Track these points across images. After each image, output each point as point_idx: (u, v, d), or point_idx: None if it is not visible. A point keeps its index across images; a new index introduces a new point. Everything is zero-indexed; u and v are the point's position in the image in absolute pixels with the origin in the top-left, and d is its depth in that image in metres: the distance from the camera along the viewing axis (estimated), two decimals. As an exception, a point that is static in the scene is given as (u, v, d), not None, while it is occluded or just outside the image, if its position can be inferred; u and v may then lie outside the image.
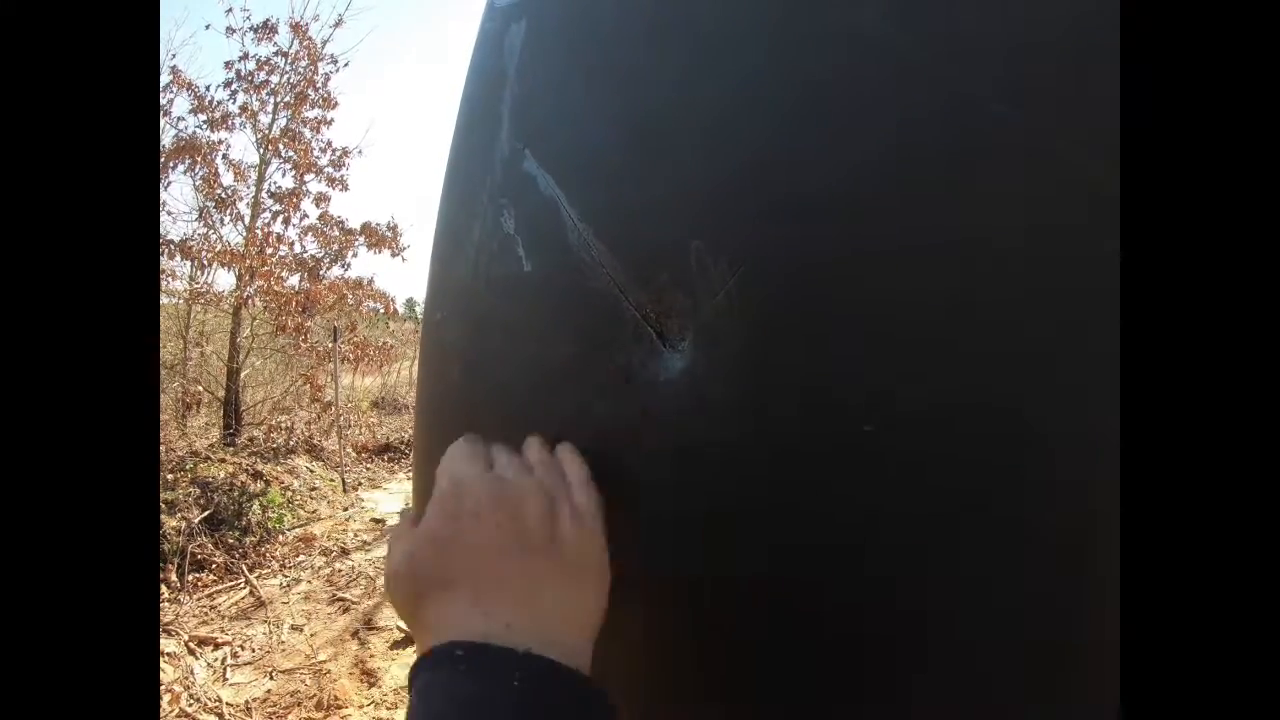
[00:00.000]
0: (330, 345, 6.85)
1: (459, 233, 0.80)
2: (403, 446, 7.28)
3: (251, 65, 7.02)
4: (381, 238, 7.56)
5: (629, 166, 0.58)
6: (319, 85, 7.38)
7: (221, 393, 6.88)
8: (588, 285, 0.58)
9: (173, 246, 6.77)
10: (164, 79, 6.77)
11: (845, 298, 0.47)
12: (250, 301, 6.96)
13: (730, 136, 0.51)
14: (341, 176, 7.50)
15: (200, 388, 6.95)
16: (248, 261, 6.70)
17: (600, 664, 0.48)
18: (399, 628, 3.55)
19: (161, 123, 6.81)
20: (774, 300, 0.48)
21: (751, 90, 0.51)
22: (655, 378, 0.53)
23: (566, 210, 0.61)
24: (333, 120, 7.47)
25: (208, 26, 7.36)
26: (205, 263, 6.98)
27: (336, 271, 7.48)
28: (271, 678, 3.13)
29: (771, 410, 0.49)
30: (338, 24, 7.39)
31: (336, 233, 7.45)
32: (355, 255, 7.64)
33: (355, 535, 4.90)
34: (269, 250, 6.98)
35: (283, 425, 6.81)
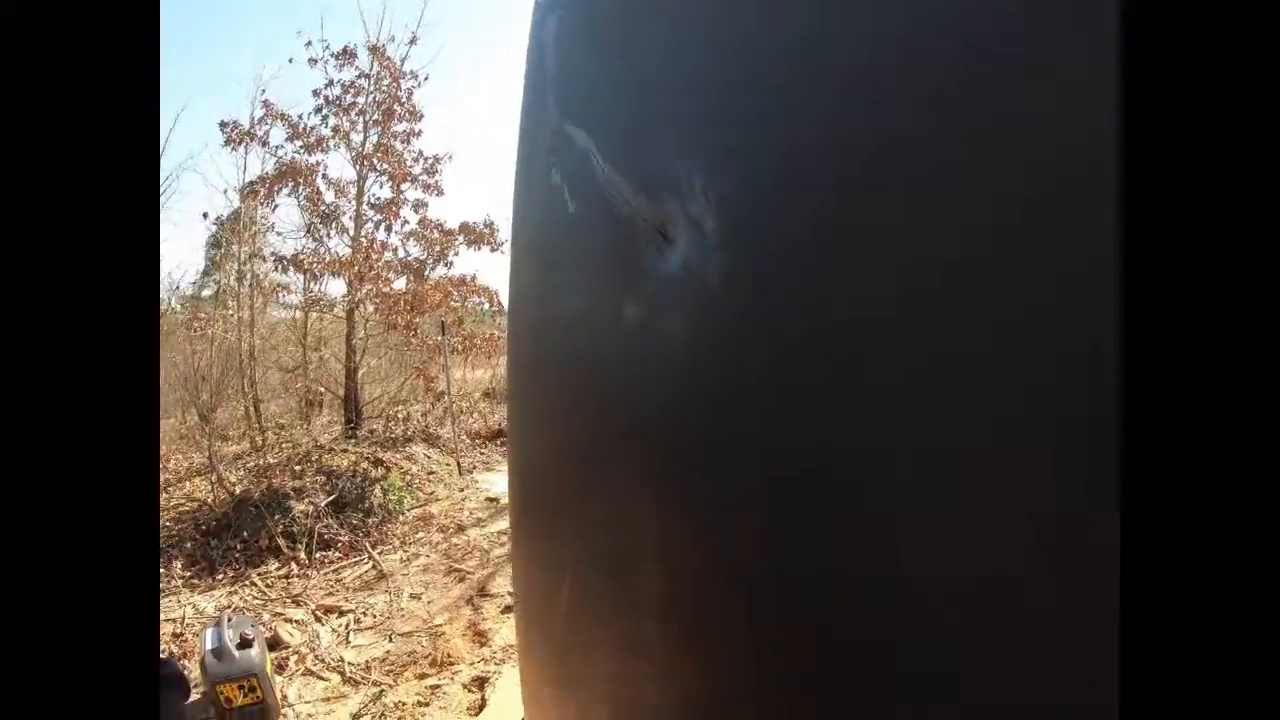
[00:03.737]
0: (440, 339, 7.09)
1: (525, 192, 1.06)
2: (514, 431, 7.43)
3: (338, 90, 7.35)
4: (479, 234, 7.75)
5: (634, 117, 0.77)
6: (404, 100, 7.64)
7: (341, 391, 7.24)
8: (613, 212, 0.76)
9: (285, 261, 7.24)
10: (257, 113, 7.18)
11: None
12: (362, 304, 7.32)
13: (702, 89, 0.67)
14: (436, 182, 7.75)
15: (321, 388, 7.34)
16: (355, 268, 7.03)
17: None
18: (510, 593, 3.62)
19: (260, 152, 7.28)
20: (736, 200, 0.62)
21: (718, 53, 0.66)
22: (663, 271, 0.69)
23: (595, 157, 0.80)
24: (420, 131, 7.72)
25: (290, 60, 7.70)
26: (317, 274, 7.41)
27: (440, 271, 7.75)
28: (390, 640, 3.25)
29: (739, 280, 0.62)
30: (413, 41, 7.63)
31: (436, 235, 7.70)
32: (456, 254, 7.89)
33: (470, 513, 5.03)
34: (374, 256, 7.30)
35: (400, 416, 7.09)
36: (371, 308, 7.34)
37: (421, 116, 7.73)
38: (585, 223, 0.83)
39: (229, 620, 2.86)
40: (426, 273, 7.69)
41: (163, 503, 5.38)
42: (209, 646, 2.83)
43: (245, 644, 2.80)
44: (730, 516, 0.74)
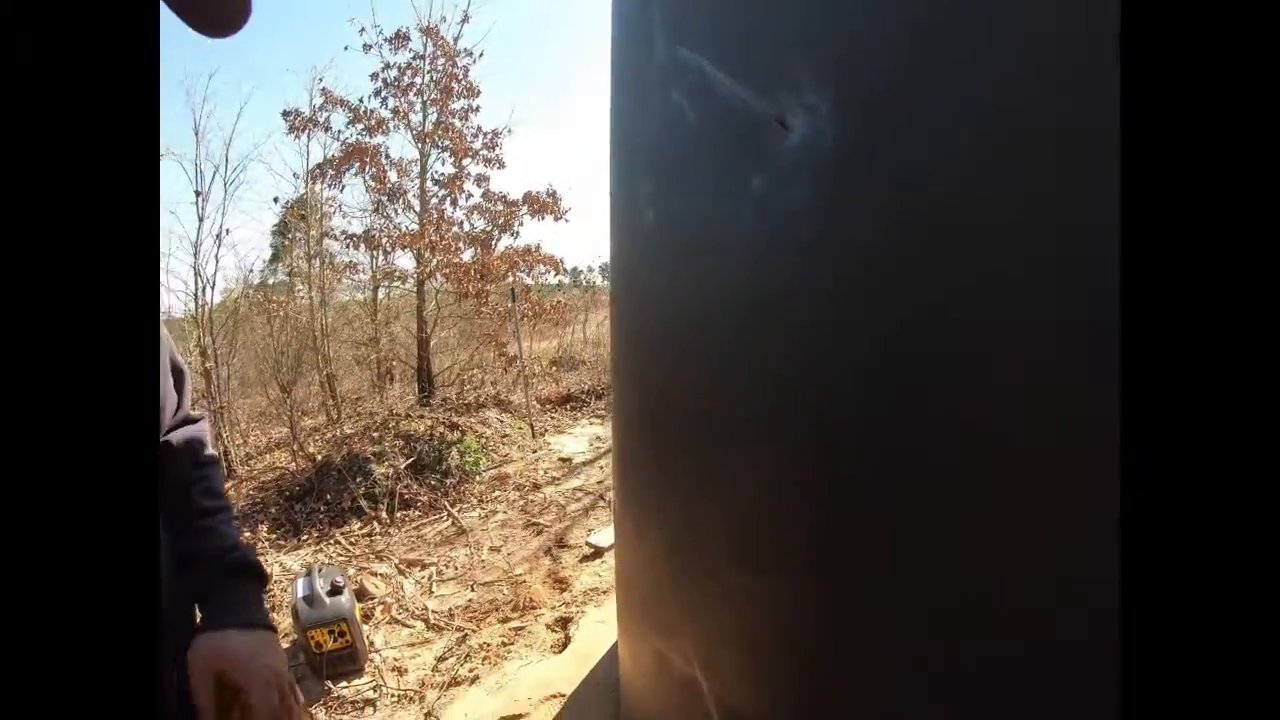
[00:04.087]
0: (510, 305, 7.14)
1: (633, 115, 1.26)
2: (582, 395, 7.48)
3: (394, 73, 7.39)
4: (543, 204, 7.76)
5: (745, 33, 0.90)
6: (460, 78, 7.64)
7: (414, 363, 7.36)
8: (734, 113, 0.90)
9: (356, 239, 7.38)
10: (316, 100, 7.28)
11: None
12: (433, 276, 7.42)
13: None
14: (497, 155, 7.77)
15: (394, 361, 7.48)
16: (426, 239, 7.12)
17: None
18: (588, 544, 3.60)
19: (322, 138, 7.41)
20: (843, 87, 0.76)
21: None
22: (785, 149, 0.81)
23: (712, 72, 0.93)
24: (478, 107, 7.72)
25: (346, 48, 7.78)
26: (387, 249, 7.54)
27: (506, 241, 7.79)
28: (472, 589, 3.26)
29: (849, 150, 0.76)
30: (464, 20, 7.61)
31: (500, 206, 7.73)
32: (521, 224, 7.93)
33: (545, 472, 5.05)
34: (444, 228, 7.38)
35: (474, 381, 7.18)
36: (442, 278, 7.45)
37: (478, 92, 7.73)
38: (708, 127, 0.97)
39: (319, 570, 2.90)
40: (493, 244, 7.75)
41: (247, 473, 5.57)
42: (300, 594, 2.88)
43: (335, 591, 2.83)
44: (807, 446, 0.89)
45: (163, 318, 0.66)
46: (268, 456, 6.05)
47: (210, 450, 0.94)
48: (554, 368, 9.20)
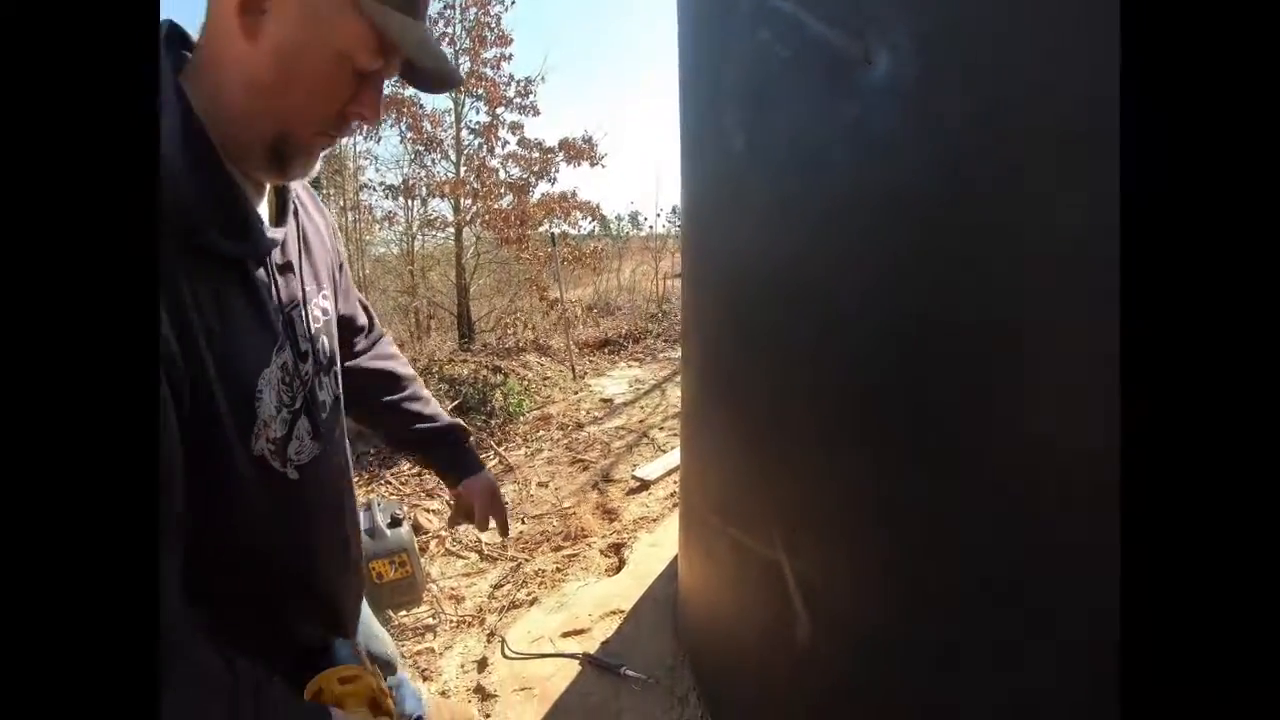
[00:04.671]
0: (550, 249, 7.15)
1: (717, 53, 1.38)
2: (620, 339, 7.49)
3: None
4: (579, 150, 7.70)
5: None
6: (493, 26, 7.52)
7: (455, 309, 7.41)
8: (820, 49, 0.99)
9: (395, 190, 7.40)
10: None
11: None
12: (472, 223, 7.43)
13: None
14: (531, 103, 7.69)
15: (434, 307, 7.53)
16: (465, 186, 7.12)
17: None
18: (634, 477, 3.64)
19: None
20: (924, 26, 0.82)
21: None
22: (870, 81, 0.89)
23: (802, 13, 1.01)
24: (511, 55, 7.63)
25: None
26: (425, 197, 7.56)
27: (544, 188, 7.76)
28: (523, 522, 3.33)
29: (929, 84, 0.83)
30: None
31: (536, 154, 7.68)
32: (558, 171, 7.88)
33: (587, 412, 5.10)
34: (483, 173, 7.36)
35: (516, 323, 7.22)
36: (481, 224, 7.46)
37: (511, 40, 7.63)
38: (798, 61, 1.04)
39: (378, 505, 2.98)
40: (530, 191, 7.74)
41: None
42: (362, 528, 2.96)
43: (395, 523, 2.90)
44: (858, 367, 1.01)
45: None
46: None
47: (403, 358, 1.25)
48: (591, 312, 9.22)
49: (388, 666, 1.13)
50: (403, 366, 1.22)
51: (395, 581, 2.70)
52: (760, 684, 1.48)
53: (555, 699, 1.99)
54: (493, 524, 1.33)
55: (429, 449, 1.25)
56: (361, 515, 2.97)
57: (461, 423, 1.26)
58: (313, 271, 0.89)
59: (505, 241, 7.16)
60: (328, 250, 0.96)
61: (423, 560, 3.05)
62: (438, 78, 0.77)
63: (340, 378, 0.95)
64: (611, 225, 12.62)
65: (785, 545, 1.24)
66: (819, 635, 1.18)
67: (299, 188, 0.90)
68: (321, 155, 0.78)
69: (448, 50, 7.42)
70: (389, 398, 1.19)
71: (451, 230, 7.57)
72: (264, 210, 0.79)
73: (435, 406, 1.25)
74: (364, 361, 1.16)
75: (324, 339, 0.88)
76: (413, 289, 7.49)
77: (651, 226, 11.87)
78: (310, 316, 0.85)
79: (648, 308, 9.21)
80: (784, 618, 1.27)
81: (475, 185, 6.93)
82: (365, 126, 0.81)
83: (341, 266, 1.04)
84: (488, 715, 1.99)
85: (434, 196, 7.51)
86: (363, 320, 1.16)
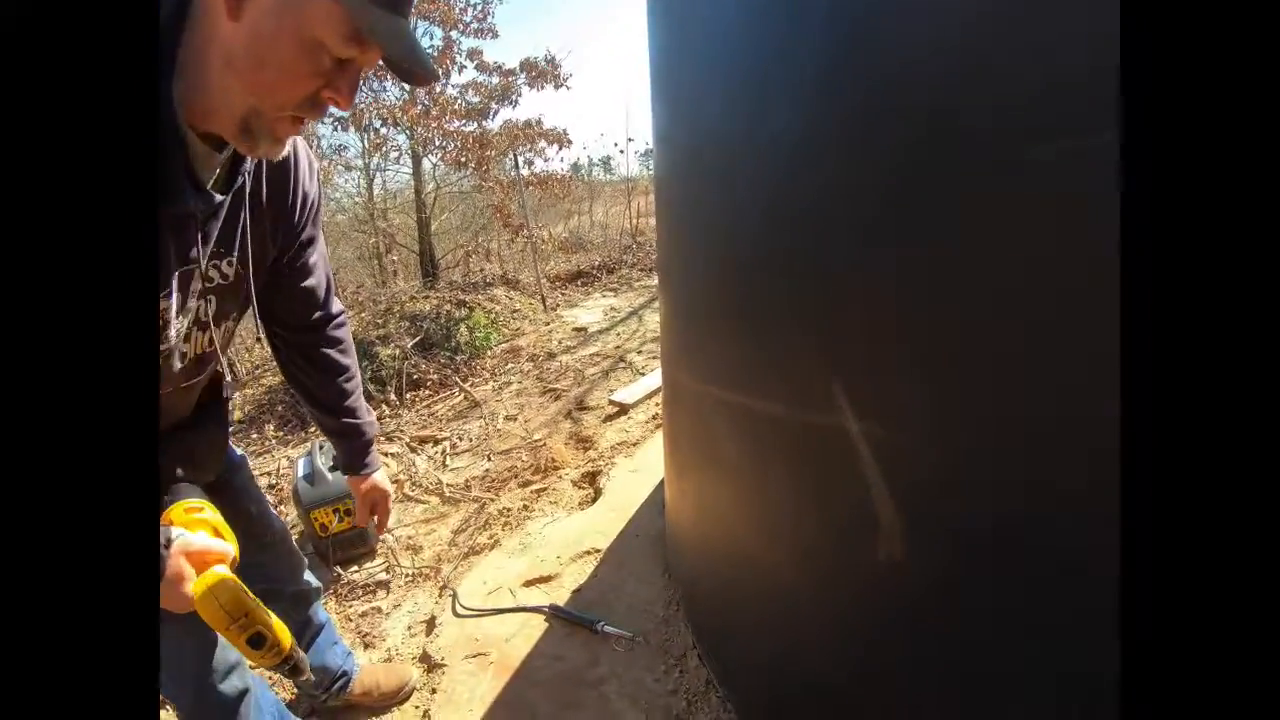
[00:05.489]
0: (514, 174, 6.67)
1: None
2: (594, 271, 7.07)
3: None
4: (542, 71, 7.17)
5: None
6: None
7: (416, 246, 6.95)
8: None
9: (344, 121, 6.83)
10: None
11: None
12: (429, 147, 6.91)
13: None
14: (490, 25, 7.11)
15: (393, 244, 7.07)
16: (417, 104, 6.57)
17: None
18: (611, 401, 3.28)
19: None
20: None
21: None
22: None
23: None
24: (466, -24, 6.99)
25: None
26: (375, 127, 6.99)
27: (506, 114, 7.24)
28: (489, 459, 2.98)
29: None
30: None
31: (495, 79, 7.14)
32: (519, 95, 7.35)
33: (559, 342, 4.72)
34: (434, 94, 6.81)
35: (480, 261, 6.79)
36: (438, 158, 6.95)
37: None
38: None
39: (320, 447, 2.58)
40: (491, 116, 7.21)
41: (250, 374, 5.29)
42: (300, 474, 2.55)
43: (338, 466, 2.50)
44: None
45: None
46: (274, 364, 5.76)
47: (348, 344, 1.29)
48: (563, 250, 8.76)
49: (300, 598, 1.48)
50: (343, 357, 1.27)
51: (341, 533, 2.33)
52: (797, 628, 1.13)
53: (516, 667, 1.63)
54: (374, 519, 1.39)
55: (340, 443, 1.34)
56: (301, 462, 2.63)
57: (362, 426, 1.32)
58: (233, 237, 0.94)
59: (460, 164, 6.65)
60: (289, 224, 1.05)
61: (377, 507, 2.69)
62: (412, 73, 0.79)
63: (217, 338, 1.00)
64: (582, 170, 12.15)
65: (853, 403, 0.87)
66: (918, 536, 0.82)
67: (304, 158, 1.04)
68: (291, 137, 0.83)
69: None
70: (317, 389, 1.27)
71: (408, 157, 7.04)
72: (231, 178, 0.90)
73: (352, 401, 1.30)
74: (310, 349, 1.23)
75: (212, 299, 0.95)
76: (371, 219, 6.99)
77: (625, 170, 11.30)
78: (205, 277, 0.91)
79: (622, 240, 8.75)
80: (849, 521, 0.91)
81: (428, 103, 6.40)
82: (340, 110, 0.91)
83: (306, 242, 1.11)
84: (434, 690, 1.64)
85: (386, 125, 6.97)
86: (320, 298, 1.20)
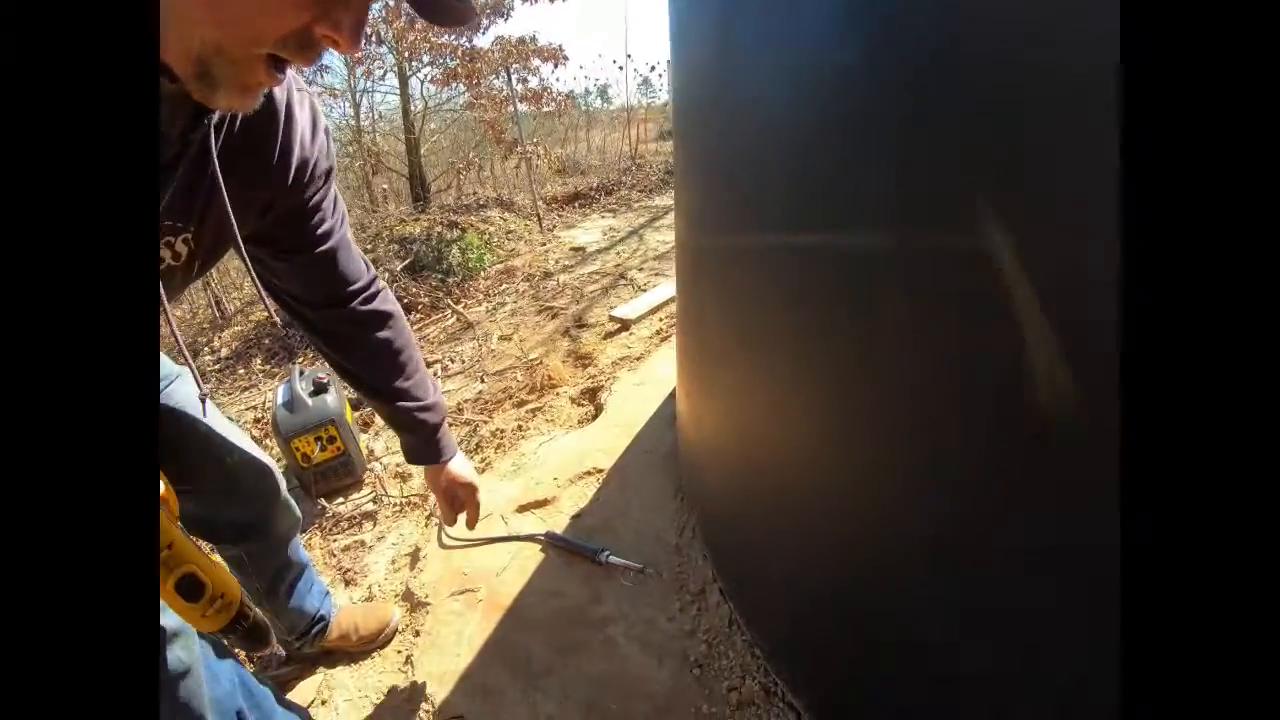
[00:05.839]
0: (506, 92, 6.31)
1: None
2: (591, 193, 6.77)
3: None
4: (535, -20, 6.69)
5: None
6: None
7: (405, 169, 6.64)
8: None
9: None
10: None
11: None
12: (416, 72, 6.53)
13: None
14: None
15: (380, 167, 6.76)
16: (401, 19, 6.18)
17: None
18: (612, 317, 3.06)
19: None
20: None
21: None
22: None
23: None
24: None
25: None
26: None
27: (498, 30, 6.81)
28: (482, 380, 2.78)
29: None
30: None
31: (485, -9, 6.69)
32: (512, 8, 6.91)
33: (557, 261, 4.48)
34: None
35: (472, 182, 6.48)
36: (426, 78, 6.58)
37: None
38: None
39: (299, 373, 2.34)
40: (481, 32, 6.79)
41: (239, 311, 5.07)
42: (280, 401, 2.33)
43: (320, 390, 2.28)
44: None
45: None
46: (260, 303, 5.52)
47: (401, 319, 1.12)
48: (560, 174, 8.41)
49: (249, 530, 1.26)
50: (382, 332, 1.09)
51: (325, 463, 2.14)
52: (857, 559, 0.92)
53: (508, 605, 1.44)
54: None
55: (400, 433, 1.18)
56: (280, 389, 2.42)
57: (418, 410, 1.14)
58: (190, 207, 0.76)
59: (450, 77, 6.28)
60: (279, 189, 0.86)
61: (366, 437, 2.49)
62: (448, 12, 0.61)
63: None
64: (579, 99, 11.69)
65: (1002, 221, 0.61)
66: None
67: (301, 113, 0.84)
68: (262, 92, 0.64)
69: None
70: (360, 372, 1.11)
71: (394, 76, 6.66)
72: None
73: (403, 381, 1.13)
74: (339, 325, 1.06)
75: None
76: (356, 137, 6.65)
77: (625, 98, 10.79)
78: None
79: (620, 163, 8.39)
80: (978, 381, 0.69)
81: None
82: (340, 53, 0.62)
83: (304, 210, 0.93)
84: (417, 633, 1.47)
85: (369, 39, 6.57)
86: (338, 270, 1.02)
